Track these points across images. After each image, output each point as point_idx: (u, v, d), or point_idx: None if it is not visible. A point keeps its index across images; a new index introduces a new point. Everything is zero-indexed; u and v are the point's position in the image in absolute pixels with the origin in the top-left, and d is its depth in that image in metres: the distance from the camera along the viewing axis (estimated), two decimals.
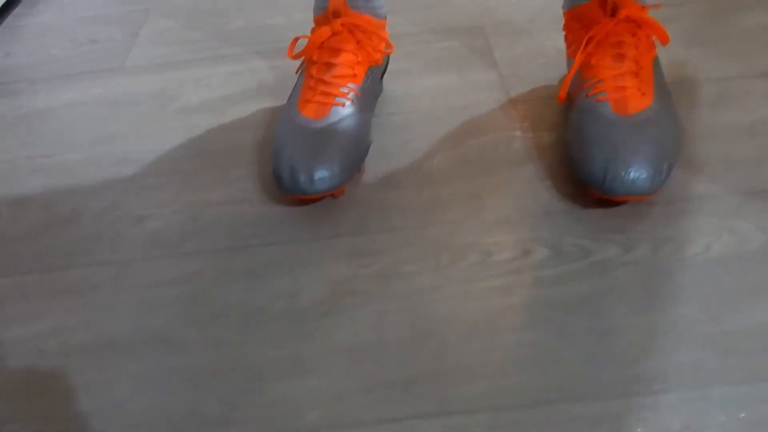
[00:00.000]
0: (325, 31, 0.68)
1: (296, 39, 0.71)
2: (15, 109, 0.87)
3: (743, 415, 0.46)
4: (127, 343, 0.56)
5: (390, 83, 0.81)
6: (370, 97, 0.71)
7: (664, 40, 0.66)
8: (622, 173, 0.57)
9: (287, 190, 0.63)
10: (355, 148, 0.65)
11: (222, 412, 0.50)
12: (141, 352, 0.55)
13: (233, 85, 0.85)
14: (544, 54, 0.84)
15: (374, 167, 0.70)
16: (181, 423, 0.50)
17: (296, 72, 0.73)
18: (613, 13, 0.65)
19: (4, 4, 1.12)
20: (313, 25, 0.74)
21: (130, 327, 0.57)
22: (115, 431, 0.50)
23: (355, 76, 0.68)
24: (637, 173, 0.57)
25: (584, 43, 0.65)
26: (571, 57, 0.70)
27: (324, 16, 0.70)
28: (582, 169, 0.61)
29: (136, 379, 0.53)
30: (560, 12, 0.90)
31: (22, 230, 0.68)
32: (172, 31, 0.99)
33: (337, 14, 0.68)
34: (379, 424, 0.48)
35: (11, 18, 1.09)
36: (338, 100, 0.67)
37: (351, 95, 0.67)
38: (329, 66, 0.68)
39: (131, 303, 0.59)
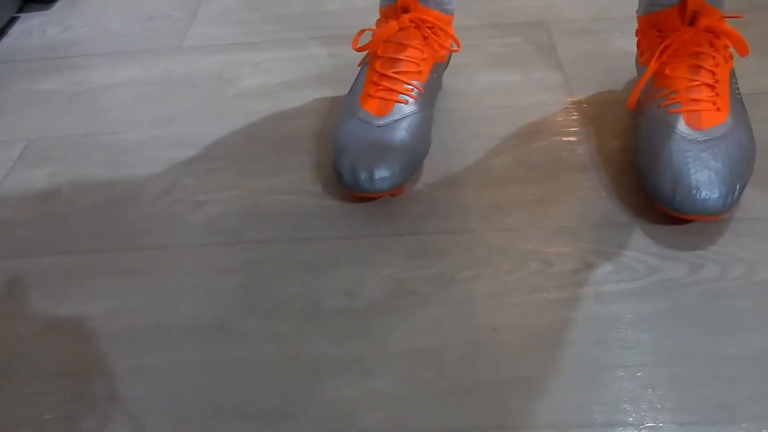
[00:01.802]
0: (393, 25, 0.67)
1: (362, 31, 0.70)
2: (74, 85, 0.88)
3: None
4: (185, 329, 0.57)
5: (451, 78, 0.80)
6: (432, 94, 0.70)
7: (743, 52, 0.63)
8: (693, 192, 0.56)
9: (347, 187, 0.62)
10: (416, 148, 0.65)
11: (280, 405, 0.51)
12: (199, 339, 0.56)
13: (292, 71, 0.85)
14: (609, 55, 0.82)
15: (434, 165, 0.69)
16: (238, 414, 0.51)
17: (359, 65, 0.72)
18: (692, 21, 0.63)
19: None
20: (377, 15, 0.73)
21: (188, 313, 0.58)
22: (172, 417, 0.51)
23: (419, 72, 0.67)
24: (707, 193, 0.56)
25: (659, 51, 0.63)
26: (643, 64, 0.67)
27: (392, 9, 0.69)
28: (650, 183, 0.59)
29: (193, 366, 0.54)
30: (627, 12, 0.87)
31: (83, 208, 0.69)
32: (230, 11, 0.99)
33: (405, 9, 0.67)
34: None
35: None
36: (401, 97, 0.66)
37: (414, 92, 0.67)
38: (394, 61, 0.67)
39: (190, 289, 0.60)
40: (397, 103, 0.66)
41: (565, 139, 0.71)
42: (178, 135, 0.77)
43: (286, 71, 0.85)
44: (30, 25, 1.01)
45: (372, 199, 0.66)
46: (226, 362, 0.54)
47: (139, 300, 0.59)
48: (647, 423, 0.48)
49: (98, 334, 0.57)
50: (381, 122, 0.65)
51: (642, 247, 0.59)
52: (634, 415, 0.48)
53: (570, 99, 0.76)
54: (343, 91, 0.80)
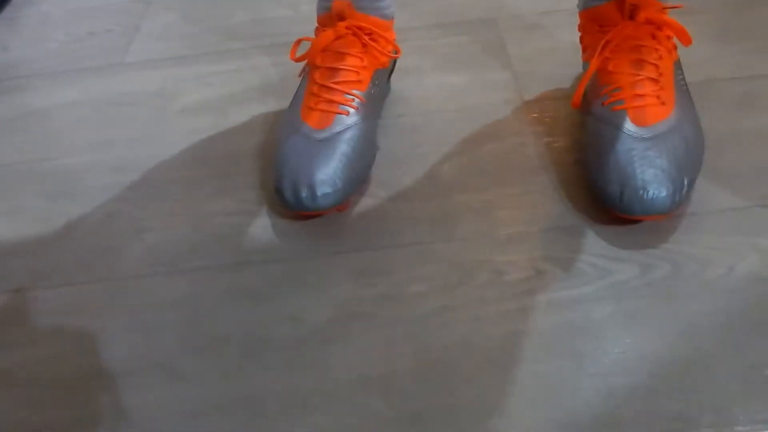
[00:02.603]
0: (329, 34, 0.65)
1: (299, 40, 0.68)
2: (12, 109, 0.84)
3: None
4: (123, 371, 0.54)
5: (398, 82, 0.78)
6: (376, 102, 0.68)
7: (686, 42, 0.62)
8: (640, 192, 0.54)
9: (289, 206, 0.60)
10: (360, 160, 0.63)
11: None
12: (138, 381, 0.53)
13: (236, 84, 0.82)
14: (559, 50, 0.80)
15: (381, 175, 0.67)
16: None
17: (299, 76, 0.70)
18: (632, 15, 0.61)
19: None
20: (316, 24, 0.71)
21: (126, 353, 0.55)
22: None
23: (360, 81, 0.65)
24: (655, 192, 0.54)
25: (601, 46, 0.61)
26: (586, 60, 0.66)
27: (327, 17, 0.67)
28: (598, 186, 0.58)
29: (132, 410, 0.52)
30: (576, 5, 0.86)
31: (16, 242, 0.66)
32: (173, 25, 0.96)
33: (341, 17, 0.65)
34: None
35: (10, 8, 1.06)
36: (342, 108, 0.64)
37: (356, 102, 0.64)
38: (333, 71, 0.65)
39: (129, 327, 0.57)
40: (338, 115, 0.64)
41: (514, 140, 0.69)
42: (117, 159, 0.74)
43: (230, 84, 0.82)
44: None
45: (316, 216, 0.63)
46: (164, 406, 0.51)
47: (74, 342, 0.57)
48: None
49: (25, 382, 0.54)
50: (321, 135, 0.63)
51: (593, 249, 0.57)
52: (588, 429, 0.46)
53: (519, 98, 0.74)
54: (288, 102, 0.77)
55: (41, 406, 0.53)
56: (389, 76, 0.74)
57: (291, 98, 0.77)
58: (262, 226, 0.64)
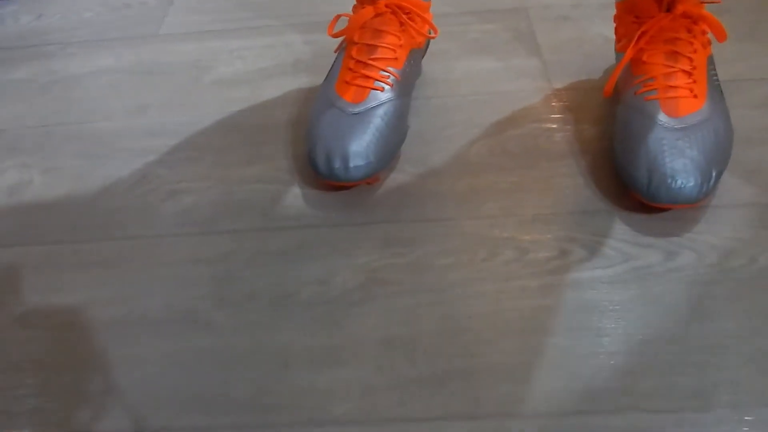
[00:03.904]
0: (369, 11, 0.66)
1: (338, 16, 0.69)
2: (47, 74, 0.86)
3: None
4: (157, 320, 0.56)
5: (428, 65, 0.79)
6: (409, 81, 0.69)
7: (721, 37, 0.63)
8: (668, 180, 0.55)
9: (322, 176, 0.62)
10: (392, 136, 0.64)
11: (251, 396, 0.50)
12: (171, 330, 0.55)
13: (268, 59, 0.84)
14: (589, 41, 0.81)
15: (411, 153, 0.68)
16: (209, 405, 0.50)
17: (335, 51, 0.71)
18: (670, 7, 0.62)
19: None
20: (354, 1, 0.72)
21: (160, 304, 0.57)
22: (141, 409, 0.50)
23: (396, 59, 0.66)
24: (683, 181, 0.55)
25: (636, 37, 0.62)
26: (620, 51, 0.67)
27: None
28: (626, 172, 0.59)
29: (166, 357, 0.53)
30: None
31: (54, 199, 0.68)
32: None
33: None
34: (407, 422, 0.48)
35: None
36: (377, 84, 0.65)
37: (391, 79, 0.66)
38: (370, 48, 0.66)
39: (162, 280, 0.59)
40: (373, 91, 0.65)
41: (542, 126, 0.70)
42: (151, 124, 0.76)
43: (263, 59, 0.84)
44: (2, 13, 0.99)
45: (347, 188, 0.65)
46: (198, 353, 0.53)
47: (110, 291, 0.58)
48: (620, 411, 0.47)
49: (68, 326, 0.56)
50: (356, 110, 0.64)
51: (617, 234, 0.59)
52: (606, 404, 0.48)
53: (548, 86, 0.75)
54: (320, 79, 0.79)
55: (72, 348, 0.54)
56: (422, 57, 0.75)
57: (323, 75, 0.78)
58: (294, 194, 0.65)
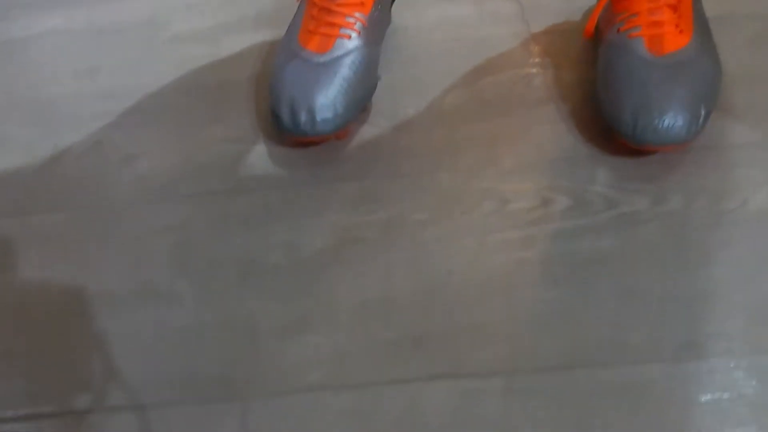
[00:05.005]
0: None
1: None
2: None
3: None
4: (115, 294, 0.53)
5: (399, 12, 0.75)
6: (378, 29, 0.65)
7: None
8: (655, 121, 0.52)
9: (287, 131, 0.58)
10: (361, 86, 0.60)
11: (220, 368, 0.47)
12: (130, 304, 0.51)
13: (228, 13, 0.79)
14: None
15: (382, 105, 0.64)
16: (175, 379, 0.47)
17: (297, 0, 0.66)
18: None
19: None
20: None
21: (118, 277, 0.53)
22: (104, 387, 0.47)
23: (362, 4, 0.62)
24: (671, 121, 0.52)
25: None
26: None
27: None
28: (610, 114, 0.55)
29: (126, 332, 0.50)
30: None
31: (2, 170, 0.63)
32: None
33: None
34: (385, 386, 0.45)
35: None
36: (343, 31, 0.61)
37: (358, 26, 0.61)
38: None
39: (120, 251, 0.55)
40: (339, 38, 0.61)
41: (521, 72, 0.66)
42: (105, 87, 0.71)
43: (222, 13, 0.78)
44: None
45: (315, 144, 0.61)
46: (161, 326, 0.50)
47: (64, 266, 0.55)
48: (609, 364, 0.45)
49: (19, 305, 0.52)
50: (322, 60, 0.60)
51: (602, 180, 0.56)
52: (595, 357, 0.45)
53: (526, 30, 0.71)
54: (284, 32, 0.74)
55: (27, 330, 0.51)
56: (391, 4, 0.71)
57: (287, 28, 0.73)
58: (258, 154, 0.61)
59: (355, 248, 0.53)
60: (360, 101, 0.60)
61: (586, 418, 0.43)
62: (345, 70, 0.59)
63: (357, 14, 0.62)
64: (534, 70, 0.66)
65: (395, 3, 0.74)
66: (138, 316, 0.51)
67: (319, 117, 0.57)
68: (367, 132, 0.62)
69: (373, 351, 0.47)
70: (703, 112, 0.54)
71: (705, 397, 0.43)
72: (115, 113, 0.67)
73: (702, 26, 0.59)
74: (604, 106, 0.56)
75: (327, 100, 0.57)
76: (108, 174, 0.61)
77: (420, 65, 0.69)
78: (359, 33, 0.61)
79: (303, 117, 0.57)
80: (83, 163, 0.63)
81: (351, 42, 0.61)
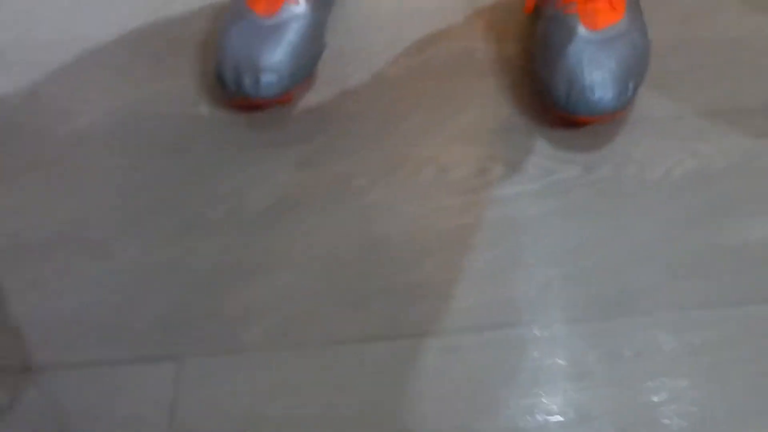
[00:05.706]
0: None
1: None
2: None
3: (695, 340, 0.46)
4: (47, 245, 0.51)
5: None
6: None
7: None
8: (586, 93, 0.55)
9: (230, 93, 0.58)
10: (307, 52, 0.60)
11: (153, 325, 0.47)
12: (63, 256, 0.51)
13: None
14: None
15: (328, 72, 0.65)
16: (106, 336, 0.47)
17: None
18: None
19: None
20: None
21: (53, 231, 0.52)
22: (31, 345, 0.46)
23: None
24: (601, 93, 0.55)
25: None
26: None
27: None
28: (545, 85, 0.58)
29: (57, 286, 0.49)
30: None
31: None
32: None
33: None
34: (325, 346, 0.46)
35: None
36: None
37: None
38: None
39: (56, 205, 0.54)
40: (286, 3, 0.61)
41: (464, 44, 0.68)
42: (42, 38, 0.68)
43: None
44: None
45: (259, 108, 0.61)
46: (94, 280, 0.49)
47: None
48: (540, 323, 0.47)
49: None
50: (268, 22, 0.59)
51: (537, 150, 0.58)
52: (527, 316, 0.48)
53: (470, 4, 0.73)
54: None
55: None
56: None
57: None
58: (201, 115, 0.61)
59: (297, 209, 0.53)
60: (305, 67, 0.60)
61: (519, 372, 0.46)
62: (291, 35, 0.59)
63: None
64: (477, 43, 0.68)
65: None
66: (70, 268, 0.50)
67: (263, 80, 0.57)
68: (312, 98, 0.62)
69: (313, 311, 0.48)
70: (631, 86, 0.57)
71: (628, 353, 0.46)
72: (53, 65, 0.65)
73: (633, 4, 0.62)
74: (540, 78, 0.59)
75: (272, 63, 0.57)
76: (44, 129, 0.60)
77: (366, 34, 0.69)
78: None
79: (247, 79, 0.56)
80: (17, 117, 0.61)
81: (298, 7, 0.61)
